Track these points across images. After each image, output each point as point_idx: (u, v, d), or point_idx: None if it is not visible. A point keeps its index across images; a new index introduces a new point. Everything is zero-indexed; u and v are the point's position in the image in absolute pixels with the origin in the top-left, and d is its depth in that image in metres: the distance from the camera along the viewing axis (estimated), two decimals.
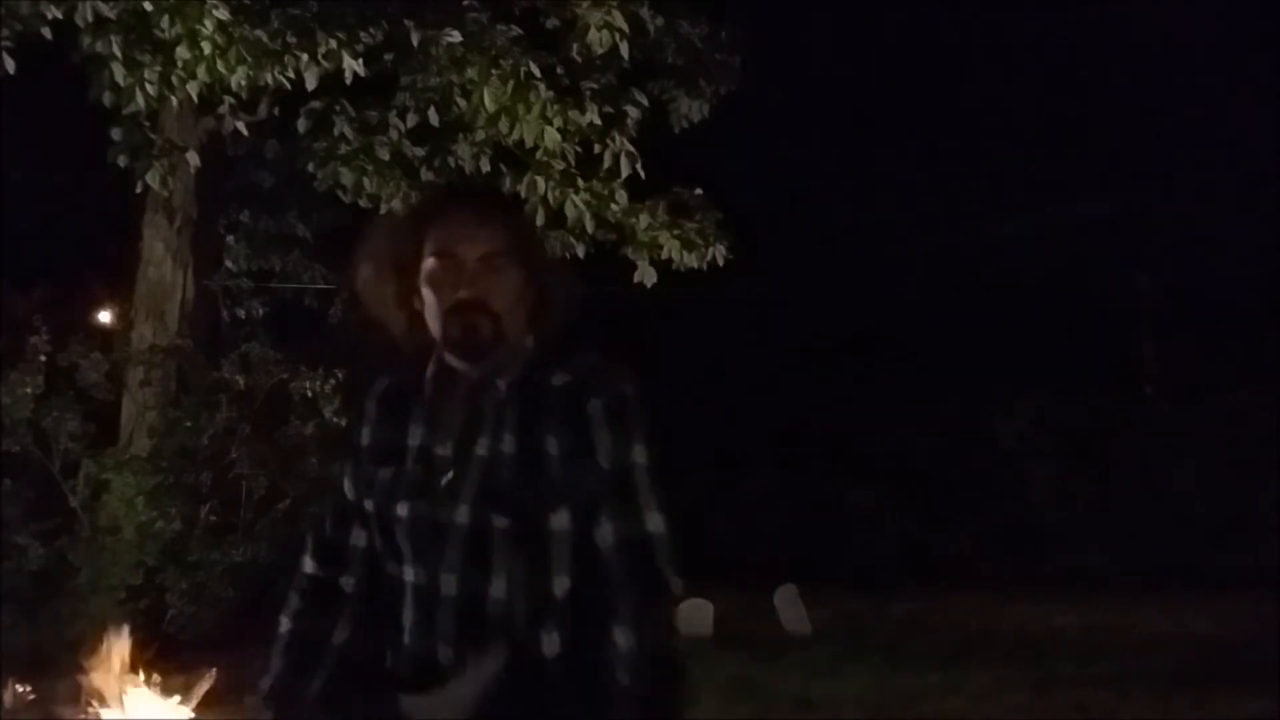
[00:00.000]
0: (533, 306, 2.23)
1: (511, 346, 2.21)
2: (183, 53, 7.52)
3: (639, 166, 8.70)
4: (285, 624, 2.33)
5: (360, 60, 7.97)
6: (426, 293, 2.20)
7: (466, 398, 2.20)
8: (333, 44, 7.81)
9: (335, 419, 9.48)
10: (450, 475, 2.16)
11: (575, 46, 8.58)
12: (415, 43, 8.25)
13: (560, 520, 2.14)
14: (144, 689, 6.69)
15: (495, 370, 2.20)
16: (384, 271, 2.26)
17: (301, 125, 8.81)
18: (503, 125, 8.43)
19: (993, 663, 9.79)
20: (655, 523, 2.23)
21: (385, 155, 8.87)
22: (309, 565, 2.38)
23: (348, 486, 2.31)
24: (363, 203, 9.11)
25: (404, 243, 2.23)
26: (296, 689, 2.25)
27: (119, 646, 6.75)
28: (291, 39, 7.78)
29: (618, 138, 8.67)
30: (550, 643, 2.10)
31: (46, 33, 7.52)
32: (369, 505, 2.25)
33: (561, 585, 2.12)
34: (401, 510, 2.19)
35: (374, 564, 2.26)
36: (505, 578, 2.11)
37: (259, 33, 7.69)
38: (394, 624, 2.18)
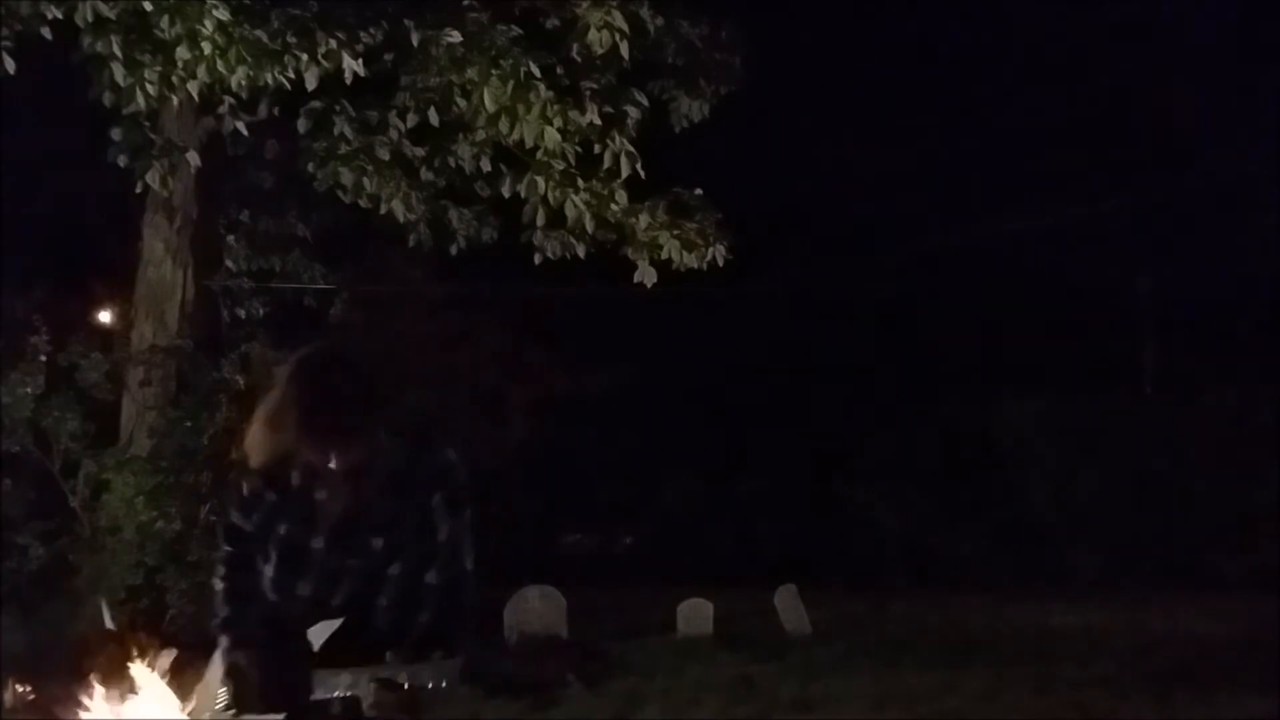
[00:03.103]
0: None
1: None
2: (183, 53, 7.52)
3: (639, 166, 8.69)
4: (221, 602, 3.24)
5: (360, 60, 7.97)
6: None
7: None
8: (333, 44, 7.81)
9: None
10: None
11: (575, 46, 8.57)
12: (415, 43, 8.24)
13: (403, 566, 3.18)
14: (143, 689, 6.67)
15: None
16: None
17: (301, 125, 8.81)
18: (503, 125, 8.43)
19: (993, 663, 9.79)
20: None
21: (385, 155, 8.87)
22: (218, 580, 3.30)
23: (237, 513, 3.31)
24: (363, 203, 9.11)
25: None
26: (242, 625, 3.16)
27: (120, 646, 6.74)
28: (291, 39, 7.78)
29: (618, 138, 8.66)
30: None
31: (46, 33, 7.52)
32: (247, 526, 3.25)
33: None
34: (281, 529, 3.19)
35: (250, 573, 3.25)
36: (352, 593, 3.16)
37: (259, 33, 7.68)
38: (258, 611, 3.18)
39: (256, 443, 3.24)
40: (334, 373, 3.22)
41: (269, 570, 3.19)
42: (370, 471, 3.13)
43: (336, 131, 8.83)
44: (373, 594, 3.15)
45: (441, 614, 3.15)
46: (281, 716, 2.92)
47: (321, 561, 3.16)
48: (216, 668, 3.06)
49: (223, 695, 3.06)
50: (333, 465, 3.11)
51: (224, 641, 3.14)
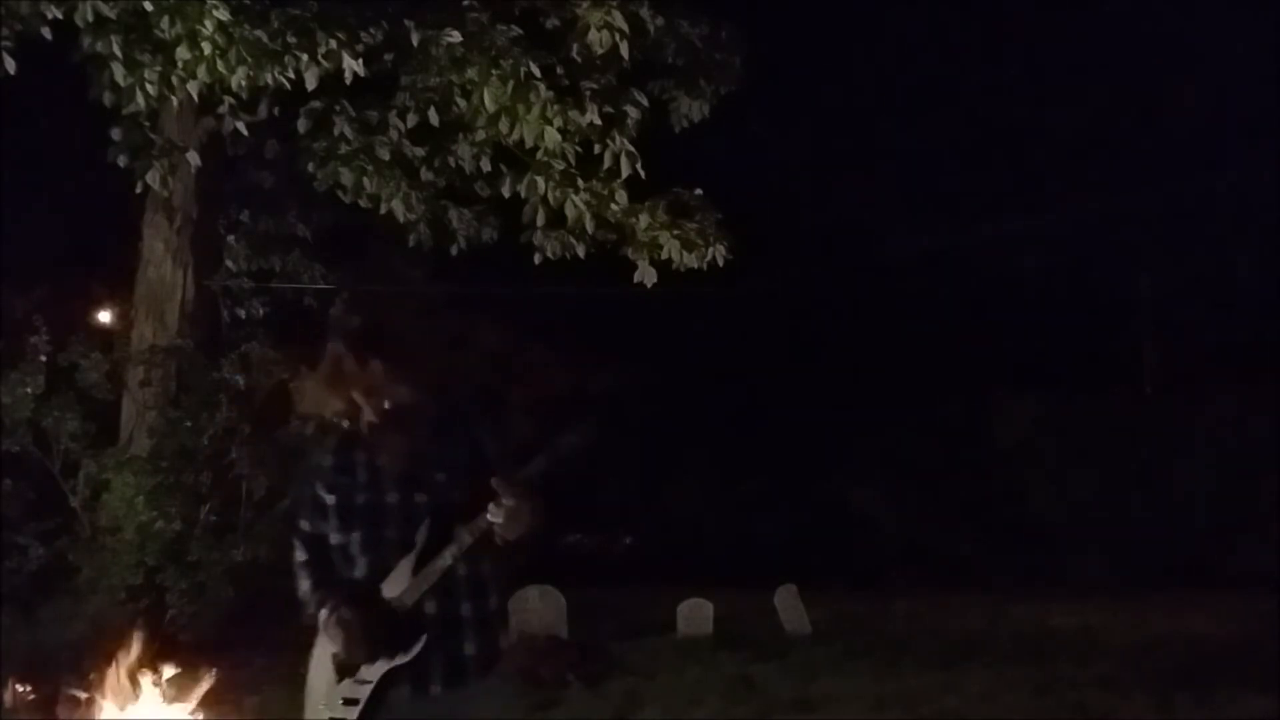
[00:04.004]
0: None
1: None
2: (183, 53, 7.52)
3: (639, 166, 8.69)
4: (304, 574, 3.65)
5: (360, 60, 7.96)
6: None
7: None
8: (333, 44, 7.80)
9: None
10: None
11: (575, 46, 8.57)
12: (415, 43, 8.24)
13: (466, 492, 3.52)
14: (144, 689, 6.68)
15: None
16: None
17: (301, 125, 8.81)
18: (503, 125, 8.43)
19: (993, 663, 9.79)
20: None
21: (385, 155, 8.87)
22: (299, 553, 3.70)
23: (318, 492, 3.66)
24: (363, 203, 9.11)
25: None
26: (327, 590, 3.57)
27: (121, 646, 6.75)
28: (291, 39, 7.77)
29: (618, 138, 8.65)
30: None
31: (46, 33, 7.51)
32: (330, 500, 3.64)
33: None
34: (359, 499, 3.60)
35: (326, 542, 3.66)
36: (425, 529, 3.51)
37: (259, 33, 7.68)
38: (350, 571, 3.58)
39: (310, 397, 3.79)
40: (371, 337, 3.67)
41: (356, 538, 3.57)
42: (419, 412, 3.61)
43: (336, 131, 8.83)
44: (446, 521, 3.50)
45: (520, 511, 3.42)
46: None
47: (396, 509, 3.55)
48: (327, 631, 3.53)
49: (338, 648, 3.51)
50: (386, 406, 3.57)
51: (325, 609, 3.54)
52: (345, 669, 3.53)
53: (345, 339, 3.64)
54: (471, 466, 3.56)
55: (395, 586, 3.50)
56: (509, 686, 3.74)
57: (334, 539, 3.61)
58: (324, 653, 3.59)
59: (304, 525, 3.71)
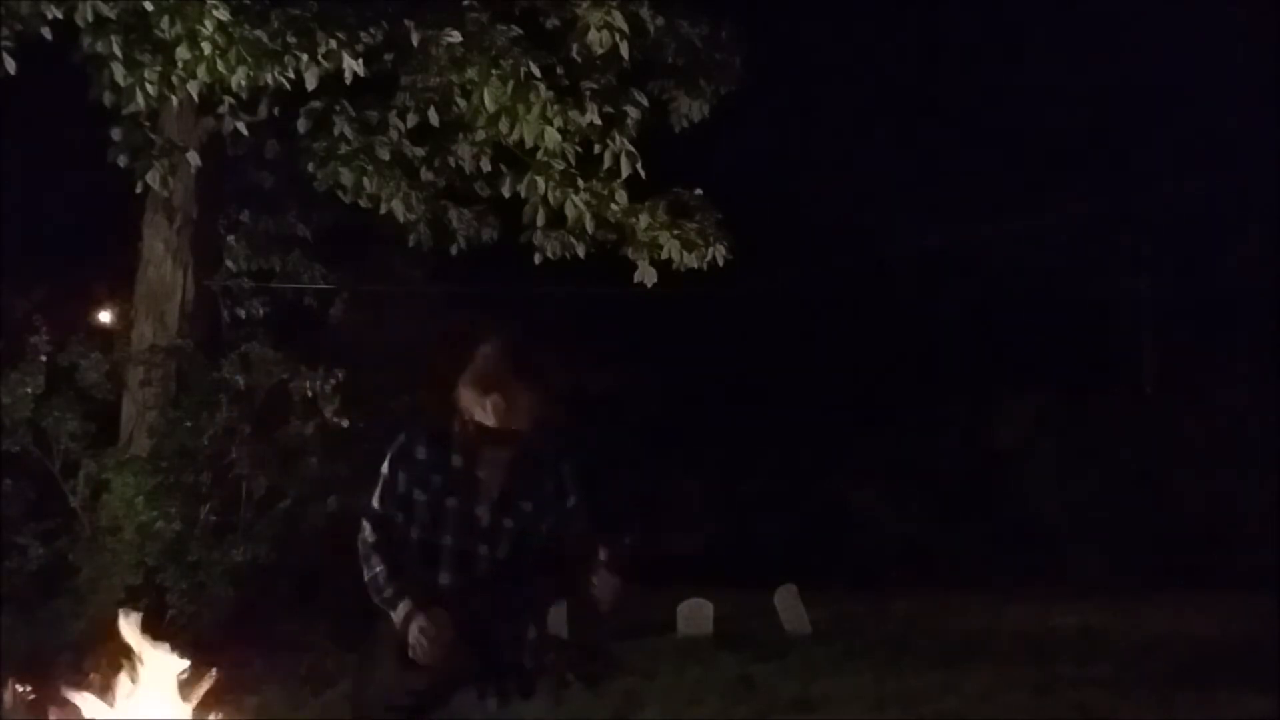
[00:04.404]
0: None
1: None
2: (183, 53, 7.53)
3: (639, 166, 8.69)
4: (377, 558, 3.60)
5: (360, 60, 7.97)
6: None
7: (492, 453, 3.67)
8: (333, 44, 7.81)
9: (335, 419, 9.50)
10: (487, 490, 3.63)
11: (575, 46, 8.57)
12: (415, 43, 8.25)
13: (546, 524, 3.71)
14: (143, 686, 6.67)
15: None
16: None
17: (301, 125, 8.82)
18: (503, 125, 8.44)
19: (993, 663, 9.79)
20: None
21: (385, 155, 8.88)
22: (370, 534, 3.64)
23: (402, 481, 3.62)
24: (363, 203, 9.12)
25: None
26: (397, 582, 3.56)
27: (120, 645, 6.74)
28: (291, 39, 7.78)
29: (618, 138, 8.66)
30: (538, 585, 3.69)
31: (46, 33, 7.52)
32: (419, 496, 3.62)
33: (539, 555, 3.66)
34: (450, 503, 3.61)
35: (403, 533, 3.63)
36: (511, 548, 3.62)
37: (259, 33, 7.69)
38: (429, 570, 3.59)
39: (463, 395, 3.67)
40: (529, 355, 3.75)
41: (446, 542, 3.59)
42: (525, 443, 3.67)
43: (336, 131, 8.84)
44: (524, 550, 3.63)
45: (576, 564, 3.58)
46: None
47: (485, 525, 3.61)
48: (410, 625, 3.49)
49: (417, 646, 3.49)
50: (513, 427, 3.61)
51: (407, 602, 3.52)
52: (407, 661, 3.55)
53: (505, 344, 3.72)
54: (556, 508, 3.70)
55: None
56: (551, 693, 3.90)
57: (417, 534, 3.62)
58: (389, 640, 3.58)
59: (377, 506, 3.67)
